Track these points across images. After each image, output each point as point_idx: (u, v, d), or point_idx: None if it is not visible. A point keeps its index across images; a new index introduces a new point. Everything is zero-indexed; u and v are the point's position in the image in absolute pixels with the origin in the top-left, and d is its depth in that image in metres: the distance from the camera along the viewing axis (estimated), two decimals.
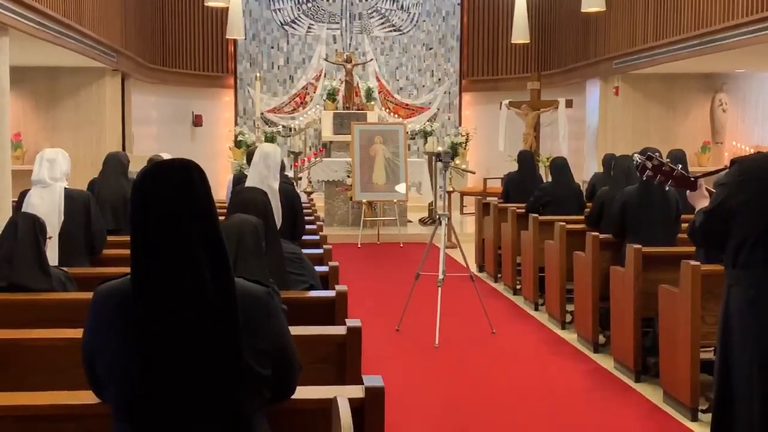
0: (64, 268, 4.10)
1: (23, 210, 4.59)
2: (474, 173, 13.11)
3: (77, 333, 2.60)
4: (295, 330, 3.01)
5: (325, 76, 16.45)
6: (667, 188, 3.31)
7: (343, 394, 2.19)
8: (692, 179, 3.19)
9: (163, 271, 2.00)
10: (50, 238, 4.07)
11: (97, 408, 2.20)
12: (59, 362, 2.88)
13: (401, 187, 12.31)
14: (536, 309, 7.74)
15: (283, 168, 7.35)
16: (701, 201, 3.13)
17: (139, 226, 2.03)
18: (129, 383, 2.00)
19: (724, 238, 2.94)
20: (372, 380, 2.37)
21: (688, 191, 3.18)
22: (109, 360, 2.05)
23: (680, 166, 3.27)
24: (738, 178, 2.89)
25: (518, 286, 8.42)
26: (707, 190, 3.15)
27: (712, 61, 10.71)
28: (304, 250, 4.77)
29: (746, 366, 2.88)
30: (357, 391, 2.35)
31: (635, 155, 3.56)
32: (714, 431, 3.07)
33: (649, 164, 3.16)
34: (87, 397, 2.24)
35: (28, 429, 2.24)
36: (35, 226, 3.73)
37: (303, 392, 2.32)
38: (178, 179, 2.04)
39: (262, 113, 15.20)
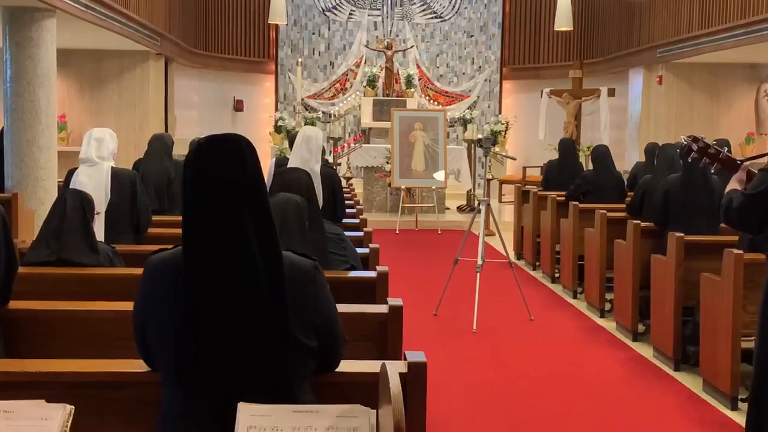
0: (112, 245, 4.18)
1: (71, 187, 4.68)
2: (515, 159, 13.04)
3: (125, 306, 2.67)
4: (338, 308, 3.05)
5: (365, 63, 16.46)
6: (712, 171, 3.28)
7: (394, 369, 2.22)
8: (738, 162, 3.16)
9: (213, 242, 2.04)
10: (98, 214, 4.15)
11: (147, 376, 2.25)
12: (107, 334, 2.94)
13: (440, 174, 12.30)
14: (575, 297, 7.71)
15: (323, 152, 7.41)
16: (734, 183, 3.12)
17: (191, 198, 2.07)
18: (179, 352, 2.05)
19: (762, 223, 2.91)
20: (415, 356, 2.39)
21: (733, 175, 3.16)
22: (160, 329, 2.10)
23: (726, 148, 3.25)
24: None
25: (557, 275, 8.38)
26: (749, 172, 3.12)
27: (758, 50, 10.51)
28: (345, 233, 4.81)
29: None
30: (400, 366, 2.37)
31: (682, 137, 3.54)
32: (750, 421, 3.05)
33: (695, 146, 3.14)
34: (137, 366, 2.30)
35: (78, 396, 2.29)
36: (83, 203, 3.81)
37: (348, 365, 2.36)
38: (230, 152, 2.08)
39: (302, 99, 15.27)
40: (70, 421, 1.55)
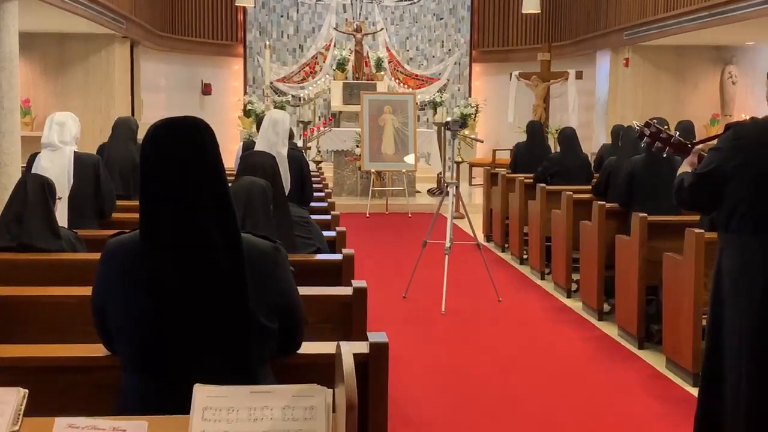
0: (74, 230, 4.14)
1: (32, 172, 4.62)
2: (482, 141, 13.11)
3: (87, 291, 2.65)
4: (302, 290, 3.04)
5: (335, 46, 16.39)
6: (665, 155, 3.34)
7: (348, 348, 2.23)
8: (689, 145, 3.22)
9: (171, 225, 2.04)
10: (59, 198, 4.11)
11: (107, 360, 2.25)
12: (69, 319, 2.92)
13: (410, 158, 12.31)
14: (542, 278, 7.78)
15: (291, 136, 7.38)
16: (686, 166, 3.18)
17: (149, 180, 2.07)
18: (137, 335, 2.05)
19: (714, 201, 2.97)
20: (377, 336, 2.41)
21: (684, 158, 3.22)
22: (118, 312, 2.10)
23: (677, 133, 3.31)
24: (732, 143, 2.91)
25: (525, 256, 8.45)
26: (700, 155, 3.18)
27: (722, 33, 10.64)
28: (313, 216, 4.82)
29: (737, 329, 2.92)
30: (362, 347, 2.39)
31: (635, 123, 3.60)
32: (701, 395, 3.10)
33: (647, 131, 3.19)
34: (97, 350, 2.29)
35: (39, 380, 2.28)
36: (44, 187, 3.77)
37: (309, 347, 2.37)
38: (188, 135, 2.08)
39: (271, 82, 15.18)
40: (24, 405, 1.55)
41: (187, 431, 1.49)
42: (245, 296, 2.05)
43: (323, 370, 2.32)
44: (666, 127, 3.34)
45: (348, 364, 1.39)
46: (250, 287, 2.06)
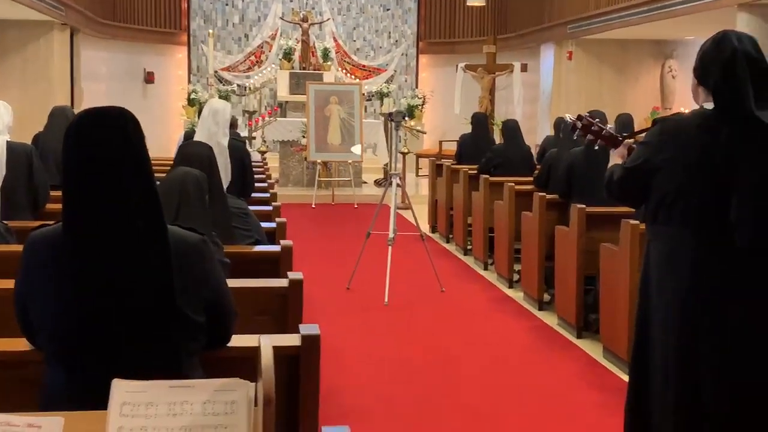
0: (5, 222, 4.04)
1: None
2: (425, 133, 13.17)
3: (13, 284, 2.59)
4: (238, 282, 3.03)
5: (281, 35, 16.27)
6: (596, 147, 3.39)
7: (276, 342, 2.22)
8: (620, 138, 3.27)
9: (94, 218, 2.00)
10: None
11: (31, 355, 2.20)
12: None
13: (356, 148, 12.30)
14: (485, 269, 7.86)
15: (234, 125, 7.31)
16: (616, 158, 3.23)
17: (72, 170, 2.02)
18: (60, 328, 2.01)
19: (643, 194, 3.02)
20: (308, 329, 2.40)
21: (612, 150, 3.27)
22: (40, 304, 2.05)
23: (609, 126, 3.35)
24: (659, 137, 2.96)
25: (469, 247, 8.52)
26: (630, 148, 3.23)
27: (663, 27, 10.85)
28: (254, 208, 4.78)
29: (662, 323, 2.97)
30: (293, 339, 2.38)
31: (567, 116, 3.65)
32: (630, 387, 3.16)
33: (579, 123, 3.23)
34: (21, 345, 2.24)
35: None
36: None
37: (238, 340, 2.35)
38: (113, 126, 2.04)
39: (215, 71, 15.01)
40: None
41: (104, 426, 1.47)
42: (171, 289, 2.02)
43: (252, 364, 2.31)
44: (597, 120, 3.38)
45: (267, 357, 1.39)
46: (177, 280, 2.03)
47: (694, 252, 2.91)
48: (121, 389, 1.51)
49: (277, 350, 2.32)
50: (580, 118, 3.27)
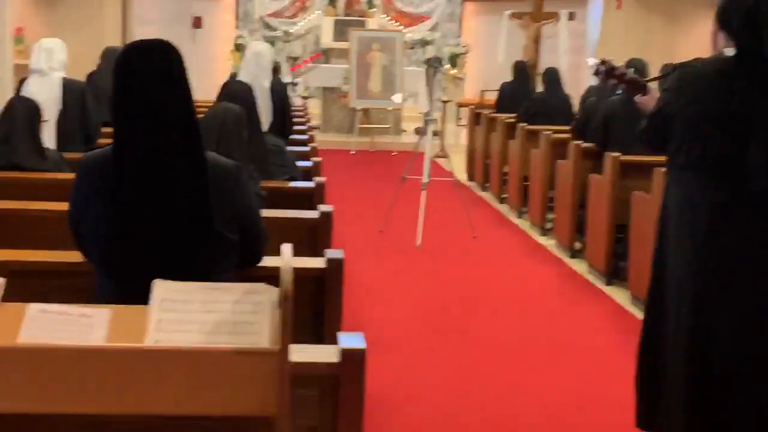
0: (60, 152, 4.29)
1: (20, 95, 4.74)
2: (462, 79, 13.14)
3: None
4: (271, 212, 3.22)
5: None
6: (618, 92, 3.45)
7: (304, 264, 2.42)
8: (642, 83, 3.33)
9: (139, 143, 2.18)
10: (46, 121, 4.25)
11: (83, 266, 2.43)
12: (51, 232, 3.09)
13: (397, 96, 12.37)
14: (519, 217, 7.97)
15: (277, 70, 7.48)
16: (652, 103, 3.27)
17: (119, 100, 2.21)
18: (107, 242, 2.22)
19: (665, 141, 3.09)
20: (334, 253, 2.59)
21: (637, 96, 3.33)
22: (91, 221, 2.27)
23: (632, 69, 3.41)
24: (678, 83, 3.02)
25: (504, 195, 8.63)
26: None
27: None
28: (292, 148, 4.96)
29: (679, 264, 3.06)
30: (319, 263, 2.58)
31: (591, 60, 3.71)
32: (645, 324, 3.27)
33: (602, 68, 3.29)
34: (74, 256, 2.47)
35: (20, 284, 2.45)
36: (31, 110, 3.91)
37: (269, 261, 2.55)
38: (157, 56, 2.21)
39: (261, 17, 15.12)
40: (1, 294, 1.74)
41: (146, 319, 1.68)
42: (208, 212, 2.21)
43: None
44: (622, 65, 3.44)
45: (286, 260, 1.58)
46: (212, 202, 2.22)
47: (711, 196, 2.98)
48: (161, 287, 1.72)
49: (305, 272, 2.54)
50: (603, 62, 3.34)
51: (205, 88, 11.99)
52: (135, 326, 1.68)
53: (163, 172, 2.17)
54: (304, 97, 12.21)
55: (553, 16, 13.72)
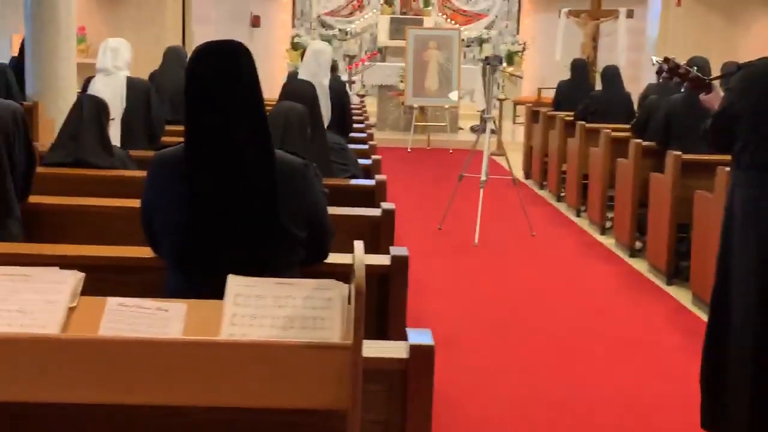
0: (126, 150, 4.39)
1: (88, 93, 4.86)
2: (521, 77, 13.05)
3: (135, 204, 2.88)
4: (334, 210, 3.24)
5: None
6: (682, 90, 3.41)
7: (369, 261, 2.43)
8: (707, 81, 3.28)
9: (210, 141, 2.23)
10: (113, 119, 4.35)
11: (153, 262, 2.49)
12: (117, 228, 3.16)
13: (454, 94, 12.35)
14: (578, 215, 7.89)
15: (335, 69, 7.52)
16: (717, 101, 3.23)
17: (190, 97, 2.26)
18: (179, 237, 2.27)
19: (730, 141, 3.05)
20: (398, 250, 2.61)
21: (701, 94, 3.28)
22: (163, 216, 2.32)
23: (695, 68, 3.36)
24: (741, 83, 2.98)
25: (562, 194, 8.56)
26: None
27: None
28: (351, 146, 4.98)
29: (745, 262, 3.02)
30: (384, 260, 2.60)
31: (654, 58, 3.66)
32: (710, 324, 3.23)
33: (665, 66, 3.25)
34: (145, 252, 2.53)
35: (90, 279, 2.50)
36: (99, 108, 4.00)
37: (335, 258, 2.57)
38: (228, 56, 2.25)
39: (318, 15, 15.23)
40: (80, 287, 1.79)
41: (220, 314, 1.71)
42: (275, 207, 2.25)
43: (347, 279, 2.53)
44: (685, 64, 3.39)
45: (359, 257, 1.59)
46: (281, 199, 2.25)
47: None
48: (235, 283, 1.75)
49: (369, 269, 2.54)
50: (666, 60, 3.30)
51: (262, 87, 12.11)
52: (209, 320, 1.71)
53: (234, 169, 2.21)
54: (361, 96, 12.26)
55: (612, 13, 13.54)
